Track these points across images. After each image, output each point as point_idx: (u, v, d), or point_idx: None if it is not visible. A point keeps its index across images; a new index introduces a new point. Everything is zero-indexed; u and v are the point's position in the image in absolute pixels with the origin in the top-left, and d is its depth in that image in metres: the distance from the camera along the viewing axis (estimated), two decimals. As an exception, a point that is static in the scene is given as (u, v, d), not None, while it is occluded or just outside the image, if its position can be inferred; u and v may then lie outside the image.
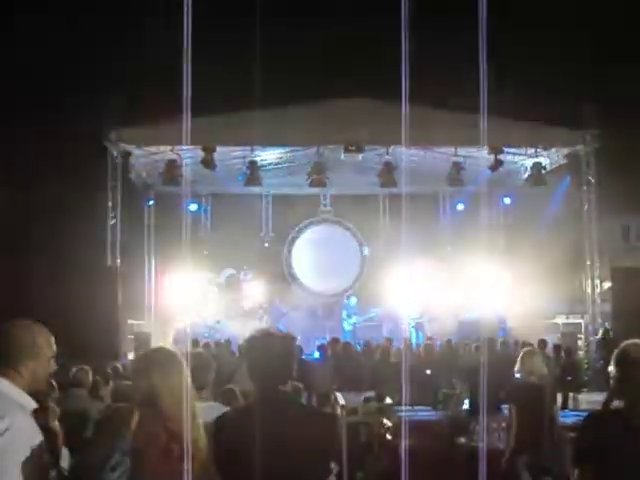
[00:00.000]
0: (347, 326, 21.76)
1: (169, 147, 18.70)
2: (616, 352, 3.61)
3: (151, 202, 22.99)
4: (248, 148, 19.17)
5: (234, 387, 6.88)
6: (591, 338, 19.41)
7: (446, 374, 12.85)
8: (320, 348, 14.45)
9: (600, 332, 18.56)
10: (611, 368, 3.57)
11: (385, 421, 9.73)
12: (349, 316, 21.94)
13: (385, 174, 19.78)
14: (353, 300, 22.51)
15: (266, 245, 24.93)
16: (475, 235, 24.12)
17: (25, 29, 22.85)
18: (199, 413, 3.45)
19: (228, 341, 16.83)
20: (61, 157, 21.72)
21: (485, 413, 8.59)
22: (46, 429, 3.15)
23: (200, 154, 18.77)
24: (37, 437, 3.01)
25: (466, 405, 9.62)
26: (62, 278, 17.05)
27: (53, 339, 3.26)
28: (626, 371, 3.48)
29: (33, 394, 3.16)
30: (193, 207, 24.28)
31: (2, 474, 2.83)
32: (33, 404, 3.11)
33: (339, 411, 9.75)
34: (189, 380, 3.43)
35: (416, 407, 10.72)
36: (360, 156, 19.74)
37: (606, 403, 3.60)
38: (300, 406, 4.12)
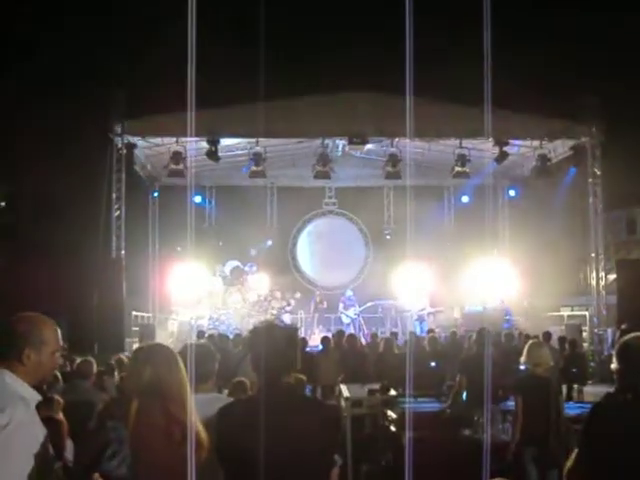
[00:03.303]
0: (345, 319, 21.75)
1: (174, 139, 18.68)
2: (617, 347, 3.60)
3: (155, 194, 23.01)
4: (253, 140, 19.14)
5: (245, 380, 6.89)
6: (596, 330, 19.37)
7: (450, 366, 12.81)
8: (324, 340, 14.40)
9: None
10: (614, 364, 3.55)
11: (390, 413, 9.72)
12: (346, 308, 21.93)
13: (390, 166, 19.73)
14: (349, 292, 22.52)
15: (270, 243, 24.97)
16: (480, 227, 24.09)
17: (31, 24, 22.85)
18: (201, 404, 3.51)
19: (233, 333, 16.82)
20: (66, 149, 21.74)
21: (485, 405, 8.60)
22: (51, 421, 3.13)
23: (204, 146, 18.75)
24: (39, 429, 2.99)
25: (465, 397, 9.59)
26: (67, 270, 17.07)
27: (59, 332, 3.23)
28: (629, 364, 3.46)
29: (37, 386, 3.15)
30: (197, 199, 24.31)
31: (5, 467, 2.81)
32: (37, 397, 3.09)
33: (343, 403, 9.76)
34: (186, 373, 3.53)
35: (420, 399, 10.71)
36: (365, 148, 19.70)
37: (612, 395, 3.60)
38: (303, 398, 4.11)
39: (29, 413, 2.98)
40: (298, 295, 22.43)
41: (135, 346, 17.55)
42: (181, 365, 3.57)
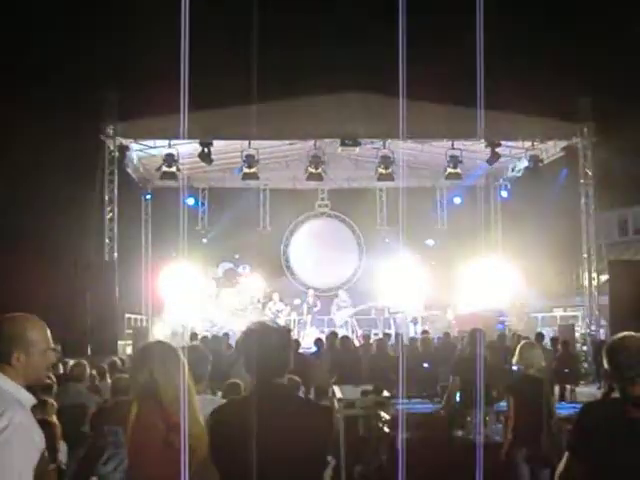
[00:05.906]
0: (339, 320, 21.74)
1: (166, 141, 18.66)
2: (605, 347, 3.62)
3: (148, 196, 22.97)
4: (245, 142, 19.13)
5: (238, 381, 6.89)
6: (588, 330, 19.42)
7: (444, 367, 12.84)
8: (318, 341, 14.41)
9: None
10: (605, 364, 3.58)
11: (383, 414, 9.73)
12: (339, 309, 21.94)
13: (382, 168, 19.73)
14: (342, 294, 22.51)
15: (267, 242, 25.02)
16: (472, 228, 24.15)
17: (24, 26, 22.81)
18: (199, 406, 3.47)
19: (225, 335, 16.82)
20: (58, 151, 21.70)
21: (478, 406, 8.62)
22: (44, 423, 3.13)
23: (197, 148, 18.73)
24: (37, 433, 2.99)
25: (458, 398, 9.60)
26: (60, 272, 17.04)
27: (48, 331, 3.21)
28: (614, 365, 3.49)
29: (31, 389, 3.14)
30: (190, 201, 24.27)
31: (3, 471, 2.81)
32: (32, 400, 3.09)
33: (337, 404, 9.76)
34: (187, 374, 3.47)
35: (414, 400, 10.72)
36: (357, 150, 19.71)
37: (605, 395, 3.62)
38: (297, 399, 4.12)
39: (26, 416, 2.97)
40: (298, 301, 22.46)
41: (128, 349, 17.60)
42: (182, 365, 3.45)
